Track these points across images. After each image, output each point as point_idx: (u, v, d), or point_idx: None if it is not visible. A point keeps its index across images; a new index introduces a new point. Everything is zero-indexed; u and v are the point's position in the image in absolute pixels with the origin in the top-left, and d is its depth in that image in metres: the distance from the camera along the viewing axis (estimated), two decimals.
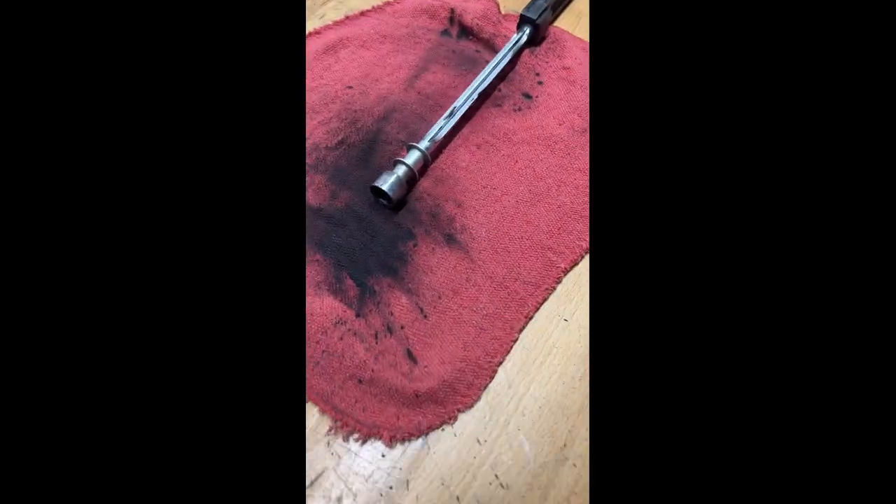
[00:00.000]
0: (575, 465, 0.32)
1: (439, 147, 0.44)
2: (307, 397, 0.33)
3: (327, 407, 0.33)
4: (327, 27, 0.52)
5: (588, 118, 0.46)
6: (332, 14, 0.53)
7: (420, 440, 0.32)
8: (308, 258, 0.38)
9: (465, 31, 0.52)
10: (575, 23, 0.54)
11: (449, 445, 0.32)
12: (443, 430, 0.33)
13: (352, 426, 0.32)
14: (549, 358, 0.35)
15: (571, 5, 0.55)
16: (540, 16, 0.49)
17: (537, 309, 0.37)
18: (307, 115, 0.45)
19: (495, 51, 0.51)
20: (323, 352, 0.34)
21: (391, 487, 0.31)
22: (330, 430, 0.32)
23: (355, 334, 0.35)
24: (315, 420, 0.33)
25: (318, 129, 0.44)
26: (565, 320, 0.37)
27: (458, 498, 0.30)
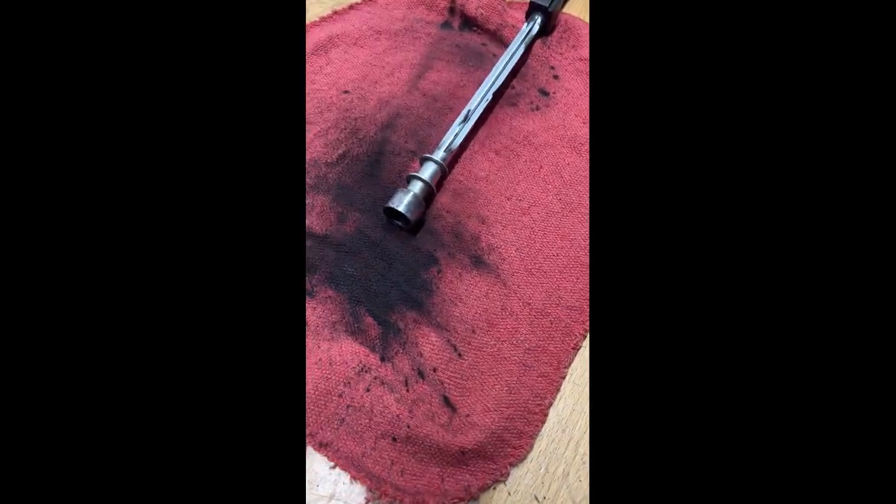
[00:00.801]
0: None
1: (455, 156, 0.39)
2: (335, 463, 0.29)
3: (360, 473, 0.28)
4: (313, 24, 0.46)
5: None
6: (316, 9, 0.47)
7: None
8: (320, 295, 0.33)
9: (468, 23, 0.47)
10: (584, 8, 0.49)
11: None
12: (495, 489, 0.28)
13: (391, 494, 0.28)
14: None
15: None
16: (552, 2, 0.44)
17: (584, 337, 0.33)
18: None
19: (503, 43, 0.46)
20: (348, 407, 0.30)
21: None
22: (366, 501, 0.28)
23: (383, 383, 0.30)
24: (346, 490, 0.28)
25: (316, 141, 0.39)
26: None
27: None
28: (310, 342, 0.31)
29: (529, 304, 0.34)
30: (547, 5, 0.44)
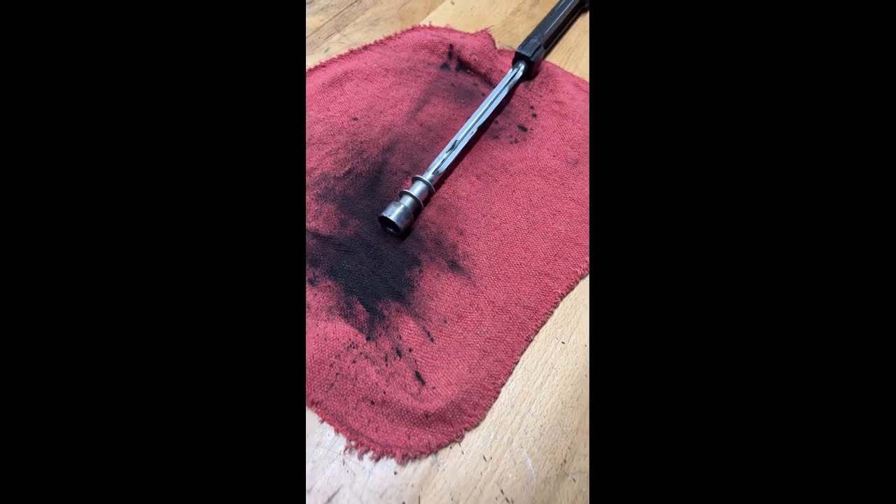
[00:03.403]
0: (575, 479, 0.34)
1: (442, 178, 0.46)
2: (323, 418, 0.35)
3: (342, 427, 0.35)
4: (332, 60, 0.54)
5: (579, 150, 0.49)
6: (336, 48, 0.56)
7: (430, 458, 0.34)
8: (321, 284, 0.40)
9: (464, 66, 0.55)
10: (566, 57, 0.57)
11: (457, 462, 0.34)
12: (451, 448, 0.35)
13: (366, 445, 0.34)
14: (549, 379, 0.38)
15: (562, 41, 0.59)
16: (534, 54, 0.52)
17: (536, 332, 0.40)
18: (315, 147, 0.47)
19: (492, 84, 0.54)
20: (337, 374, 0.36)
21: (404, 503, 0.33)
22: (345, 449, 0.34)
23: (367, 357, 0.37)
24: (330, 439, 0.35)
25: (327, 159, 0.47)
26: (563, 343, 0.39)
27: None
28: (310, 321, 0.38)
29: (493, 302, 0.40)
30: (530, 55, 0.52)
